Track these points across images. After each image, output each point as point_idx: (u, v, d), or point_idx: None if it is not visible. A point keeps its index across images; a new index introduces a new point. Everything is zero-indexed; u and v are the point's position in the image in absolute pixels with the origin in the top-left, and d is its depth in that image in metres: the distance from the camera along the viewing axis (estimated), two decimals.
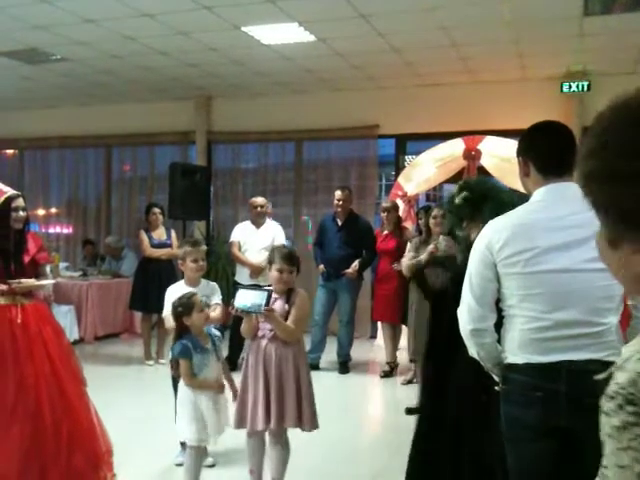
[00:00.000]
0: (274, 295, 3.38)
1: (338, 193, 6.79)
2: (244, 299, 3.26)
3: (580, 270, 1.97)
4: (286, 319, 3.34)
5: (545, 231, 2.01)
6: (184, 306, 3.42)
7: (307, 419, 3.34)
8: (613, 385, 0.83)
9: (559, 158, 2.09)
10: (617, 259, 0.89)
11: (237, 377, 3.53)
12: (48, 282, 3.79)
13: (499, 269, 2.06)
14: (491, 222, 2.14)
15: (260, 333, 3.37)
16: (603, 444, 0.84)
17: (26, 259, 3.68)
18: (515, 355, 2.05)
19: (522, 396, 2.03)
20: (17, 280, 3.55)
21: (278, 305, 3.35)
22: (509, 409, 2.08)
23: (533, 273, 2.01)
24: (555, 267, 1.99)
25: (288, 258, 3.40)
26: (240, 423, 3.36)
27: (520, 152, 2.19)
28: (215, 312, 3.76)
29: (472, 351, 2.16)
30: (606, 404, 0.84)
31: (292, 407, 3.28)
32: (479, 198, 3.00)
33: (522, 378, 2.03)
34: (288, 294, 3.40)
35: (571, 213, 2.00)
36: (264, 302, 3.21)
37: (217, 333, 3.60)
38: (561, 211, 2.02)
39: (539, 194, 2.10)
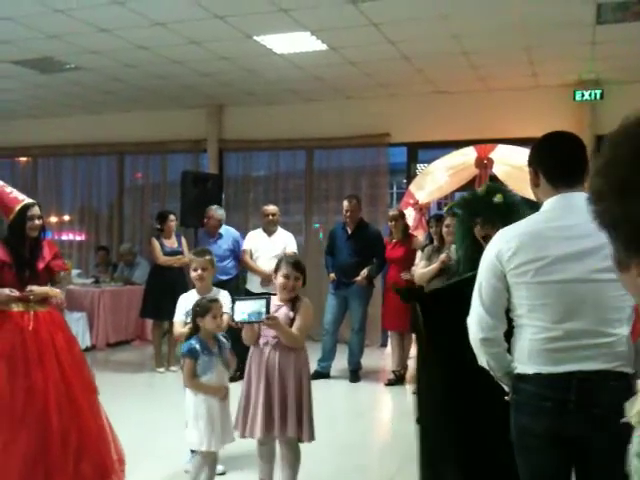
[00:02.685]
0: (278, 302, 3.37)
1: (346, 203, 6.80)
2: (243, 310, 3.24)
3: (590, 280, 1.96)
4: (291, 326, 3.32)
5: (555, 241, 2.01)
6: (201, 307, 3.48)
7: (306, 429, 3.30)
8: None
9: (568, 168, 2.10)
10: (630, 282, 0.87)
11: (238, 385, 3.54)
12: (56, 290, 3.77)
13: (508, 279, 2.05)
14: (501, 231, 2.14)
15: (263, 340, 3.35)
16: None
17: (41, 266, 3.71)
18: (525, 365, 2.05)
19: (531, 406, 2.02)
20: (29, 288, 3.58)
21: (282, 312, 3.34)
22: (519, 418, 2.08)
23: (542, 283, 2.00)
24: (565, 277, 1.98)
25: (295, 264, 3.40)
26: (240, 430, 3.34)
27: (530, 162, 2.20)
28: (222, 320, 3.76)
29: (482, 360, 2.16)
30: None
31: (293, 416, 3.25)
32: (512, 205, 3.02)
33: (532, 388, 2.02)
34: (293, 302, 3.38)
35: (581, 223, 1.99)
36: (264, 309, 3.19)
37: (224, 340, 3.60)
38: (571, 221, 2.02)
39: (549, 204, 2.10)
